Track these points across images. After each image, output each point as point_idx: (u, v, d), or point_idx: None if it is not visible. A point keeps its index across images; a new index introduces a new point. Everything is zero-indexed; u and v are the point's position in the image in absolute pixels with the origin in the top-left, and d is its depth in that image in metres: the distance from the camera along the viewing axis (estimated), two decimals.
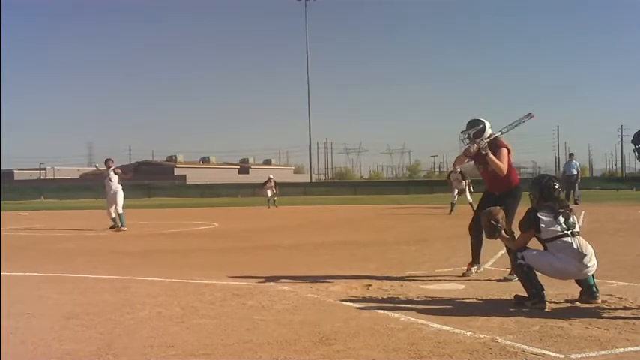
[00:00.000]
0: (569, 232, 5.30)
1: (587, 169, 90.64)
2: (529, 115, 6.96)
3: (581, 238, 5.34)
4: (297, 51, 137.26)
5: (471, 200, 18.31)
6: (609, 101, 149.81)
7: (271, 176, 28.83)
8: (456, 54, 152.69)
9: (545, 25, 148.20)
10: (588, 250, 5.28)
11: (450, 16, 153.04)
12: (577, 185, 23.44)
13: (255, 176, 69.45)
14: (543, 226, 5.32)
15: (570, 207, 5.56)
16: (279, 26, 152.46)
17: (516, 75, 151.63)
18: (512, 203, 6.69)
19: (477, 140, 6.79)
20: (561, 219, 5.33)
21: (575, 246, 5.24)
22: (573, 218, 5.42)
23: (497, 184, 6.90)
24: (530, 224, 5.44)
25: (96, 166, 15.19)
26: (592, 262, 5.29)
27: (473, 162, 7.12)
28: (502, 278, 6.63)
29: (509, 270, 6.55)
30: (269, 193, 27.67)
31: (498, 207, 6.00)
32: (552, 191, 5.55)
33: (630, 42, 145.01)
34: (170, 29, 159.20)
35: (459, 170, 19.23)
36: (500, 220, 5.79)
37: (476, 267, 7.08)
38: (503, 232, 5.79)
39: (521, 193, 6.83)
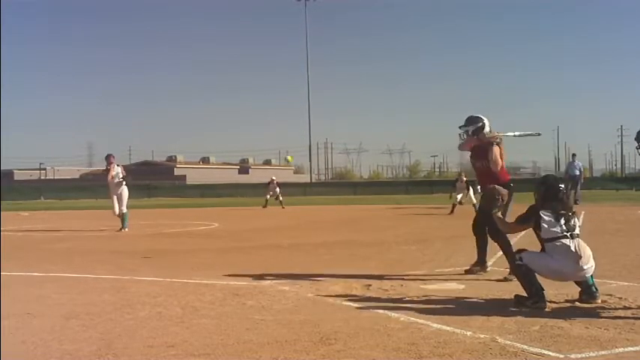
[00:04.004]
0: (568, 234, 5.30)
1: (587, 169, 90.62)
2: (538, 134, 7.60)
3: (580, 240, 5.33)
4: (297, 51, 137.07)
5: (475, 201, 18.49)
6: (609, 101, 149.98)
7: (273, 177, 28.89)
8: (456, 54, 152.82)
9: (545, 25, 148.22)
10: (586, 252, 5.28)
11: (450, 16, 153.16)
12: (579, 185, 23.61)
13: (255, 176, 69.45)
14: (545, 225, 5.33)
15: (574, 210, 5.55)
16: (279, 26, 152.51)
17: (516, 75, 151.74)
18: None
19: (494, 134, 7.04)
20: (562, 221, 5.33)
21: (572, 248, 5.24)
22: (574, 221, 5.41)
23: (486, 180, 7.06)
24: (529, 219, 5.53)
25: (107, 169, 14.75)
26: (589, 265, 5.29)
27: (469, 157, 7.32)
28: (502, 278, 6.63)
29: (508, 270, 6.55)
30: (270, 193, 27.69)
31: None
32: (557, 192, 5.55)
33: (630, 42, 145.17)
34: (170, 29, 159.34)
35: (464, 179, 20.17)
36: (503, 198, 6.60)
37: (478, 268, 7.12)
38: (499, 213, 6.35)
39: (510, 190, 6.96)
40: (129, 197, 14.75)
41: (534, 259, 5.36)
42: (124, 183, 14.58)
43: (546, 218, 5.35)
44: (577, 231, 5.35)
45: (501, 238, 6.92)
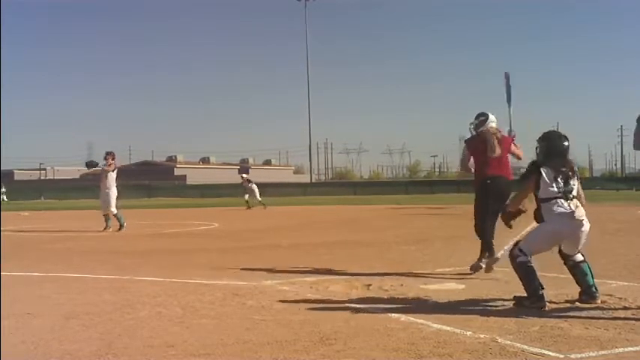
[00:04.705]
0: (564, 194, 5.22)
1: (587, 169, 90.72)
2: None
3: (576, 201, 5.27)
4: (297, 50, 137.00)
5: None
6: (609, 101, 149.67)
7: (243, 175, 28.66)
8: (457, 54, 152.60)
9: (545, 24, 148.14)
10: (580, 210, 5.26)
11: (450, 16, 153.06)
12: None
13: (256, 176, 69.39)
14: (543, 183, 5.23)
15: (575, 168, 5.40)
16: (280, 26, 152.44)
17: (516, 75, 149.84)
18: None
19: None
20: (561, 180, 5.25)
21: (567, 206, 5.20)
22: (574, 181, 5.30)
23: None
24: (529, 176, 5.37)
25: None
26: (584, 220, 5.25)
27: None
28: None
29: (509, 269, 6.53)
30: (257, 192, 26.65)
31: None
32: (561, 149, 5.37)
33: (630, 42, 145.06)
34: (170, 29, 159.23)
35: None
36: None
37: (485, 261, 7.08)
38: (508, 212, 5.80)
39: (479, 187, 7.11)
40: (124, 197, 14.87)
41: (531, 239, 5.37)
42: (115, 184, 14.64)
43: (545, 176, 5.22)
44: (575, 192, 5.27)
45: (486, 236, 6.99)
